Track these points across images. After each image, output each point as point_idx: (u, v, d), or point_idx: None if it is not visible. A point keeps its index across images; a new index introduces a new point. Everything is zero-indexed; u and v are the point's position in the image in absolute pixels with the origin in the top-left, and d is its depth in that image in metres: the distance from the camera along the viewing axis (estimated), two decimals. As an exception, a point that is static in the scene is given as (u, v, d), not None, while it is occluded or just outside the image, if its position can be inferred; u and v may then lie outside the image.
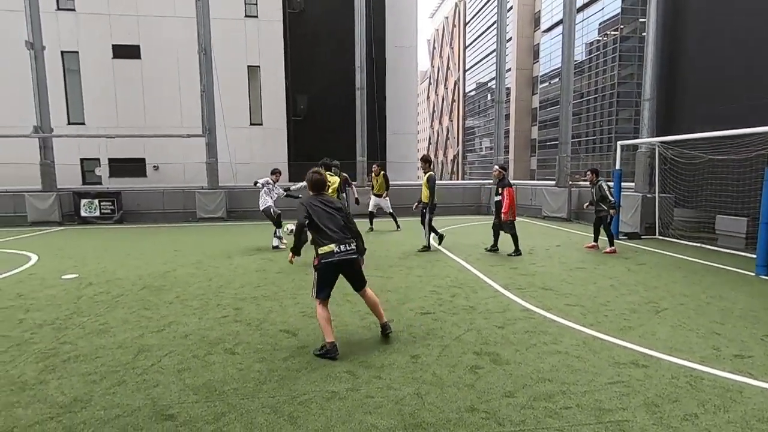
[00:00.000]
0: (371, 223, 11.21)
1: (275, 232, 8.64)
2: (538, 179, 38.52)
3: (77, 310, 4.85)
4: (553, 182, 13.62)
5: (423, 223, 8.12)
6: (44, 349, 3.79)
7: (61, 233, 11.39)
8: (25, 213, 12.81)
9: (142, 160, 15.74)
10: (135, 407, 2.85)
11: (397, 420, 2.66)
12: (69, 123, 14.99)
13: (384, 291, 5.47)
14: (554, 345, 3.77)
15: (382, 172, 11.27)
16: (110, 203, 13.53)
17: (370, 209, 11.31)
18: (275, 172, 8.90)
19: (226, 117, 14.38)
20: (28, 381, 3.21)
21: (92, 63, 15.22)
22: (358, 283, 3.81)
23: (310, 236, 3.77)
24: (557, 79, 42.88)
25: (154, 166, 15.83)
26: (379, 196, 11.15)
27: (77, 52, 15.07)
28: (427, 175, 7.91)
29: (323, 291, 3.64)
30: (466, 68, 67.80)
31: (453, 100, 75.38)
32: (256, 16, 15.97)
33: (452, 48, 75.35)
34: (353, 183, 11.43)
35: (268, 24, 16.10)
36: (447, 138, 79.72)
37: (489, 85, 58.32)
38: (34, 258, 7.84)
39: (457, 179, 63.55)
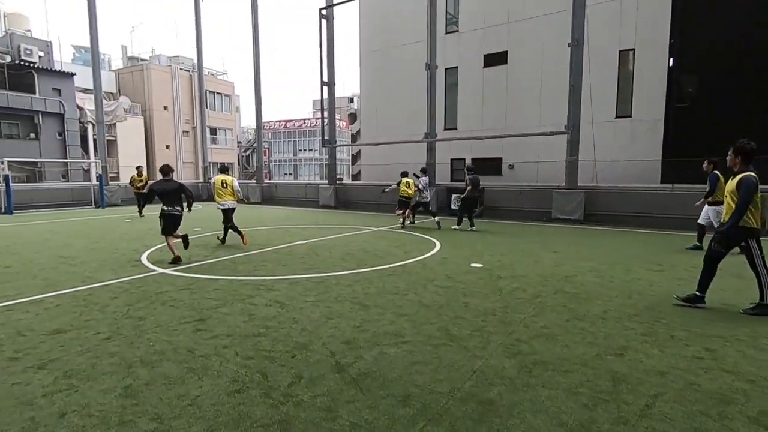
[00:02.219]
0: (700, 239, 8.05)
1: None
2: None
3: (506, 304, 4.92)
4: None
5: (755, 263, 4.50)
6: (505, 342, 3.80)
7: (429, 223, 13.31)
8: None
9: (499, 159, 16.81)
10: (673, 472, 2.16)
11: None
12: (445, 129, 17.71)
13: None
14: None
15: (715, 171, 7.66)
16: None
17: (699, 220, 8.10)
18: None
19: (589, 111, 13.21)
20: (514, 379, 3.13)
21: (467, 74, 17.40)
22: (175, 229, 7.45)
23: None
24: None
25: (510, 165, 16.58)
26: (715, 204, 7.56)
27: (456, 67, 17.57)
28: (741, 177, 4.38)
29: (167, 231, 7.31)
30: None
31: None
32: (637, -9, 13.91)
33: None
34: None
35: (650, -4, 13.73)
36: None
37: None
38: (437, 243, 9.18)
39: None
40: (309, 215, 15.48)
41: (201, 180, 24.74)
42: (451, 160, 17.83)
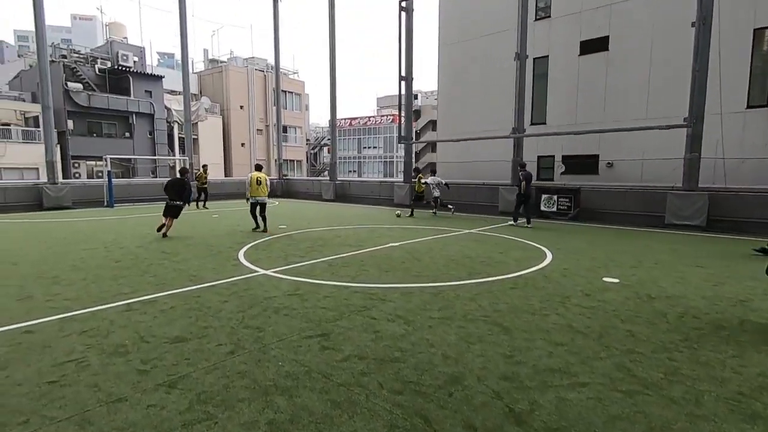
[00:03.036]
0: None
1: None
2: None
3: (685, 336, 3.96)
4: None
5: None
6: (722, 395, 2.91)
7: (523, 226, 12.21)
8: (497, 204, 14.88)
9: (595, 156, 15.21)
10: None
11: None
12: (532, 123, 16.41)
13: None
14: None
15: None
16: (567, 200, 13.65)
17: None
18: None
19: (714, 100, 11.42)
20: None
21: (558, 64, 15.95)
22: (175, 215, 9.83)
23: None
24: None
25: (608, 163, 14.94)
26: None
27: (546, 57, 16.18)
28: None
29: (166, 214, 9.69)
30: None
31: None
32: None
33: None
34: None
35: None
36: None
37: None
38: (544, 249, 8.21)
39: None
40: (387, 214, 15.01)
41: (276, 177, 25.24)
42: (539, 157, 16.46)
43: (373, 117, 61.77)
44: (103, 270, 6.56)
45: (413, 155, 18.50)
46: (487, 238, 9.68)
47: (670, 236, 10.16)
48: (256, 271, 6.45)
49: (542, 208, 14.10)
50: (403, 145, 18.68)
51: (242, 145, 38.43)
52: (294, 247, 8.39)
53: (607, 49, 14.74)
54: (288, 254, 7.71)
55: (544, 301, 4.96)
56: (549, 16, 16.18)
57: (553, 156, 16.24)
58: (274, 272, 6.41)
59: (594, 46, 15.04)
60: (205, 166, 18.06)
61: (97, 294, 5.32)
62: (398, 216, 14.17)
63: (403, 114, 18.11)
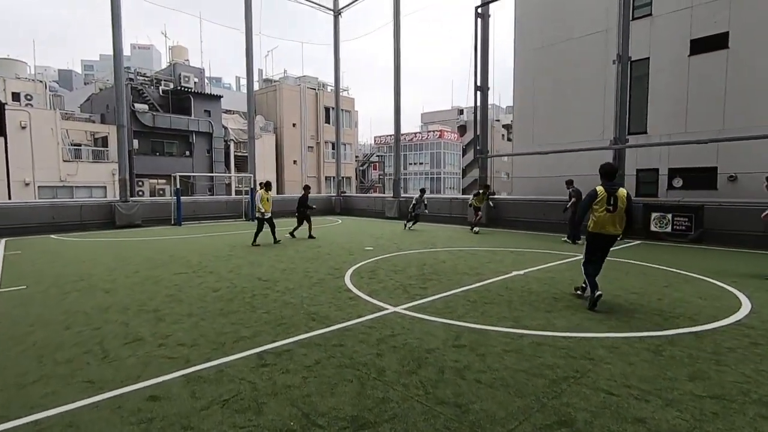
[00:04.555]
0: None
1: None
2: None
3: None
4: None
5: None
6: None
7: (641, 249, 10.53)
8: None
9: (713, 169, 13.28)
10: None
11: None
12: (629, 133, 14.67)
13: None
14: None
15: None
16: (686, 219, 11.83)
17: None
18: None
19: None
20: None
21: (662, 66, 14.25)
22: (299, 221, 12.72)
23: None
24: None
25: (730, 177, 12.97)
26: None
27: (647, 59, 14.53)
28: None
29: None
30: None
31: None
32: None
33: None
34: None
35: None
36: None
37: None
38: (725, 286, 6.61)
39: None
40: (469, 235, 13.68)
41: (334, 194, 24.57)
42: (637, 170, 14.68)
43: (419, 133, 60.94)
44: (205, 302, 5.65)
45: (487, 170, 17.11)
46: (623, 266, 8.13)
47: None
48: (383, 308, 5.32)
49: (653, 228, 12.33)
50: (484, 159, 17.33)
51: (294, 162, 38.42)
52: (403, 275, 7.24)
53: (727, 46, 12.93)
54: (404, 284, 6.56)
55: (839, 371, 3.48)
56: (650, 15, 14.58)
57: (657, 169, 14.40)
58: (405, 310, 5.25)
59: (709, 43, 13.26)
60: (262, 183, 17.52)
61: (214, 338, 4.34)
62: (476, 233, 13.90)
63: (478, 126, 16.87)
